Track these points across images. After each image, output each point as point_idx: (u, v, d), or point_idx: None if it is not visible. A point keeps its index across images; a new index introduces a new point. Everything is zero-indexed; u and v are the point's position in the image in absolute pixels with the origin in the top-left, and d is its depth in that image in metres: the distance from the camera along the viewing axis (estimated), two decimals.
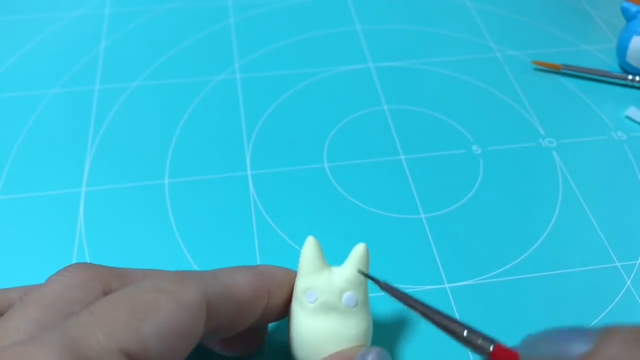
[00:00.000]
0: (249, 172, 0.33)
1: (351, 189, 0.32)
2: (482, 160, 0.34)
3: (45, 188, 0.32)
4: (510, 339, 0.26)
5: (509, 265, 0.29)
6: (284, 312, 0.23)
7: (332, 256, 0.29)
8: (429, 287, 0.28)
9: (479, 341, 0.18)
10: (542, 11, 0.45)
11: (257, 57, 0.40)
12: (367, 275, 0.22)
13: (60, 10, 0.44)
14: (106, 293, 0.19)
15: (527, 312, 0.27)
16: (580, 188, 0.32)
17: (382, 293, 0.21)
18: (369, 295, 0.23)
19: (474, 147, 0.34)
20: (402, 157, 0.34)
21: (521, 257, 0.29)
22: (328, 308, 0.22)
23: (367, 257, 0.23)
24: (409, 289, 0.28)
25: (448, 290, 0.28)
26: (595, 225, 0.31)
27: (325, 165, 0.33)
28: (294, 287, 0.23)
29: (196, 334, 0.19)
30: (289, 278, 0.23)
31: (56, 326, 0.17)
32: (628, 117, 0.36)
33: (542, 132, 0.35)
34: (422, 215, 0.31)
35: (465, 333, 0.19)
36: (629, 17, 0.39)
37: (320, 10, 0.44)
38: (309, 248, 0.23)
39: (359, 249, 0.22)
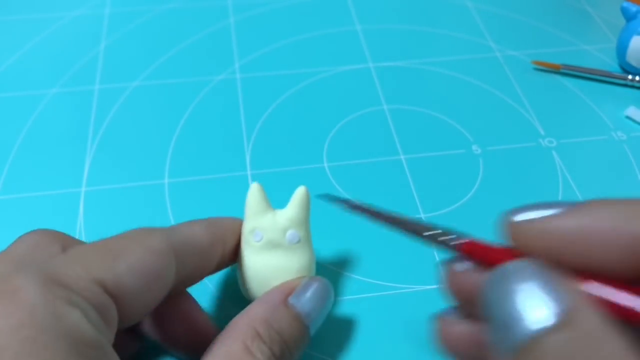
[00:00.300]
0: (249, 172, 0.33)
1: (351, 189, 0.32)
2: (482, 160, 0.34)
3: (45, 188, 0.32)
4: None
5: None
6: (235, 257, 0.25)
7: (332, 257, 0.29)
8: (428, 287, 0.28)
9: (448, 237, 0.18)
10: (542, 11, 0.45)
11: (257, 57, 0.40)
12: (329, 198, 0.23)
13: (60, 10, 0.44)
14: None
15: None
16: (580, 188, 0.32)
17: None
18: (311, 232, 0.25)
19: (474, 147, 0.34)
20: (402, 157, 0.34)
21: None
22: (273, 245, 0.24)
23: (308, 198, 0.24)
24: (409, 289, 0.28)
25: None
26: None
27: (325, 165, 0.33)
28: (242, 230, 0.24)
29: (168, 278, 0.20)
30: (238, 225, 0.25)
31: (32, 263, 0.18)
32: (628, 117, 0.36)
33: (542, 132, 0.35)
34: (422, 215, 0.31)
35: (433, 232, 0.18)
36: (629, 17, 0.39)
37: (320, 10, 0.44)
38: (254, 192, 0.25)
39: (300, 191, 0.25)
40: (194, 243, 0.22)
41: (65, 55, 0.40)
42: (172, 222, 0.30)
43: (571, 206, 0.16)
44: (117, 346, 0.18)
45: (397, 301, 0.27)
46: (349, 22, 0.43)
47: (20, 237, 0.21)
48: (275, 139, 0.35)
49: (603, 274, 0.15)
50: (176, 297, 0.23)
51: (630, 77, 0.38)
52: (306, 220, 0.24)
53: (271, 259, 0.24)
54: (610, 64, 0.40)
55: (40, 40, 0.41)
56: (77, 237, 0.29)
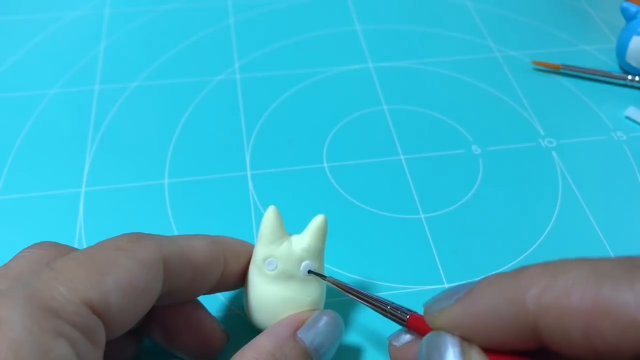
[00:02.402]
0: (248, 172, 0.33)
1: (351, 189, 0.32)
2: (482, 160, 0.34)
3: (45, 188, 0.32)
4: None
5: (508, 265, 0.29)
6: (240, 282, 0.24)
7: (332, 257, 0.29)
8: (428, 287, 0.28)
9: (399, 313, 0.22)
10: (542, 11, 0.45)
11: (257, 57, 0.40)
12: (316, 274, 0.23)
13: (60, 10, 0.44)
14: None
15: None
16: (580, 188, 0.32)
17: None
18: (324, 264, 0.24)
19: (474, 147, 0.34)
20: (402, 157, 0.34)
21: (521, 257, 0.29)
22: (287, 276, 0.23)
23: (325, 228, 0.24)
24: (409, 289, 0.28)
25: None
26: (595, 225, 0.31)
27: (325, 165, 0.33)
28: (253, 255, 0.24)
29: (154, 290, 0.20)
30: (246, 249, 0.24)
31: (20, 282, 0.17)
32: (628, 117, 0.36)
33: (542, 132, 0.35)
34: (422, 215, 0.31)
35: (388, 307, 0.22)
36: (628, 17, 0.39)
37: (320, 10, 0.44)
38: (270, 218, 0.23)
39: (318, 220, 0.24)
40: (190, 257, 0.21)
41: (65, 55, 0.40)
42: (172, 222, 0.30)
43: (466, 292, 0.19)
44: (115, 352, 0.18)
45: (396, 300, 0.27)
46: (349, 22, 0.43)
47: (22, 251, 0.21)
48: (275, 139, 0.35)
49: (514, 348, 0.18)
50: (185, 305, 0.23)
51: (630, 77, 0.38)
52: (322, 250, 0.24)
53: (284, 290, 0.23)
54: (610, 64, 0.40)
55: (40, 40, 0.41)
56: (76, 237, 0.30)
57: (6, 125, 0.35)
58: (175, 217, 0.31)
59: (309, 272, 0.23)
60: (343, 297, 0.27)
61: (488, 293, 0.18)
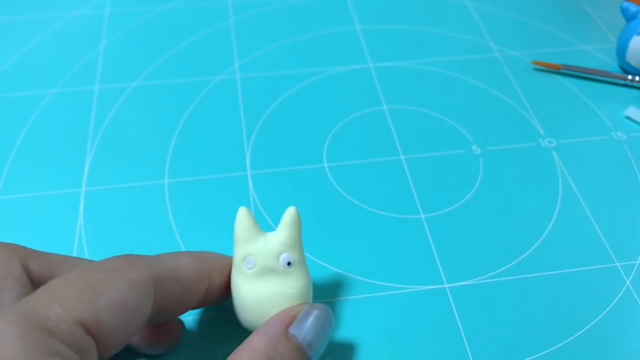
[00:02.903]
0: (249, 172, 0.33)
1: (351, 189, 0.32)
2: (482, 160, 0.34)
3: (45, 188, 0.32)
4: (509, 339, 0.26)
5: (509, 265, 0.29)
6: (225, 295, 0.24)
7: (332, 257, 0.29)
8: (428, 287, 0.28)
9: None
10: (542, 11, 0.45)
11: (257, 57, 0.40)
12: None
13: (60, 10, 0.44)
14: (25, 269, 0.21)
15: (526, 312, 0.27)
16: (580, 188, 0.32)
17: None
18: (305, 254, 0.24)
19: (474, 147, 0.34)
20: (402, 157, 0.34)
21: (521, 257, 0.29)
22: (267, 271, 0.23)
23: (299, 219, 0.24)
24: (409, 289, 0.28)
25: (448, 291, 0.28)
26: (595, 225, 0.31)
27: (325, 165, 0.33)
28: (233, 259, 0.24)
29: (145, 311, 0.20)
30: (228, 263, 0.24)
31: (2, 292, 0.18)
32: (628, 117, 0.36)
33: (542, 132, 0.35)
34: (422, 215, 0.31)
35: None
36: (628, 17, 0.39)
37: (320, 10, 0.44)
38: (242, 218, 0.23)
39: (289, 212, 0.24)
40: (178, 276, 0.22)
41: (65, 55, 0.40)
42: (172, 222, 0.30)
43: None
44: None
45: (397, 301, 0.27)
46: (349, 22, 0.43)
47: None
48: (275, 139, 0.35)
49: None
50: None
51: (630, 77, 0.38)
52: (299, 241, 0.24)
53: (267, 286, 0.23)
54: (610, 64, 0.40)
55: (40, 40, 0.41)
56: (76, 237, 0.30)
57: (6, 125, 0.35)
58: (175, 217, 0.31)
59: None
60: (333, 298, 0.27)
61: None
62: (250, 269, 0.23)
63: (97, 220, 0.30)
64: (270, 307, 0.23)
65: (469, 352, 0.25)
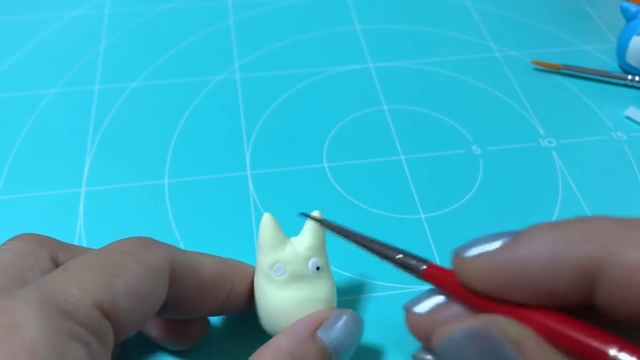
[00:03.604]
0: (249, 172, 0.33)
1: (351, 189, 0.32)
2: (482, 161, 0.34)
3: (45, 188, 0.32)
4: None
5: None
6: (247, 305, 0.24)
7: (332, 257, 0.29)
8: (428, 287, 0.28)
9: (413, 262, 0.19)
10: (542, 11, 0.45)
11: (257, 57, 0.40)
12: (307, 215, 0.23)
13: (60, 10, 0.44)
14: (54, 261, 0.21)
15: None
16: (580, 188, 0.32)
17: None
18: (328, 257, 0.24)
19: (474, 147, 0.34)
20: (402, 157, 0.34)
21: None
22: (297, 277, 0.23)
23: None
24: (409, 289, 0.28)
25: None
26: None
27: (325, 165, 0.33)
28: (258, 266, 0.23)
29: (160, 296, 0.20)
30: (251, 272, 0.24)
31: (26, 281, 0.18)
32: (628, 117, 0.36)
33: (542, 132, 0.35)
34: (422, 215, 0.31)
35: (398, 257, 0.19)
36: (628, 17, 0.39)
37: (320, 10, 0.44)
38: (268, 225, 0.23)
39: (315, 216, 0.24)
40: (197, 270, 0.21)
41: (65, 55, 0.40)
42: (172, 222, 0.30)
43: (514, 237, 0.16)
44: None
45: (397, 301, 0.27)
46: (349, 22, 0.43)
47: (3, 244, 0.21)
48: (275, 139, 0.35)
49: (554, 302, 0.15)
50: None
51: (630, 77, 0.38)
52: (324, 245, 0.24)
53: (298, 292, 0.23)
54: (610, 64, 0.40)
55: (40, 40, 0.41)
56: (76, 237, 0.29)
57: (6, 125, 0.35)
58: (175, 217, 0.31)
59: (302, 214, 0.23)
60: (358, 295, 0.27)
61: (545, 236, 0.16)
62: (281, 276, 0.23)
63: (97, 221, 0.30)
64: (300, 312, 0.23)
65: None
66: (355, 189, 0.32)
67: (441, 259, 0.29)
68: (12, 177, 0.32)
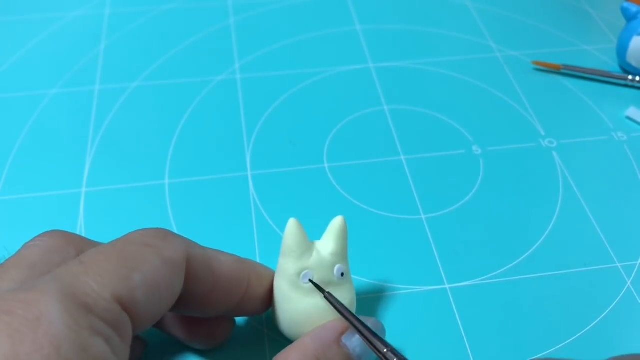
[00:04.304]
0: (249, 172, 0.33)
1: (351, 189, 0.32)
2: (482, 161, 0.34)
3: (45, 188, 0.32)
4: (509, 339, 0.26)
5: (509, 266, 0.29)
6: (263, 307, 0.24)
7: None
8: (429, 287, 0.28)
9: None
10: (542, 11, 0.45)
11: (257, 57, 0.40)
12: (316, 285, 0.23)
13: (60, 10, 0.44)
14: None
15: (527, 312, 0.27)
16: (580, 188, 0.32)
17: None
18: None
19: (474, 148, 0.34)
20: (402, 157, 0.34)
21: (521, 258, 0.29)
22: (323, 284, 0.23)
23: (346, 229, 0.24)
24: (409, 289, 0.28)
25: (448, 291, 0.28)
26: (596, 226, 0.31)
27: (325, 165, 0.33)
28: (282, 272, 0.23)
29: (176, 290, 0.20)
30: (269, 273, 0.24)
31: (46, 274, 0.17)
32: (628, 118, 0.36)
33: (542, 133, 0.35)
34: (422, 216, 0.31)
35: (385, 350, 0.21)
36: (629, 17, 0.39)
37: (320, 10, 0.44)
38: (295, 231, 0.23)
39: (338, 222, 0.24)
40: (213, 266, 0.21)
41: (65, 55, 0.40)
42: (173, 223, 0.30)
43: None
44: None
45: (397, 301, 0.27)
46: (349, 22, 0.43)
47: (32, 240, 0.21)
48: (275, 139, 0.35)
49: None
50: None
51: (630, 77, 0.38)
52: (346, 251, 0.24)
53: (323, 298, 0.23)
54: (611, 64, 0.40)
55: (40, 40, 0.41)
56: None
57: (6, 125, 0.35)
58: (176, 217, 0.31)
59: (311, 281, 0.23)
60: (373, 294, 0.27)
61: None
62: (308, 282, 0.23)
63: (97, 221, 0.30)
64: (324, 318, 0.23)
65: (469, 353, 0.25)
66: (355, 189, 0.32)
67: (441, 259, 0.29)
68: (13, 177, 0.32)
